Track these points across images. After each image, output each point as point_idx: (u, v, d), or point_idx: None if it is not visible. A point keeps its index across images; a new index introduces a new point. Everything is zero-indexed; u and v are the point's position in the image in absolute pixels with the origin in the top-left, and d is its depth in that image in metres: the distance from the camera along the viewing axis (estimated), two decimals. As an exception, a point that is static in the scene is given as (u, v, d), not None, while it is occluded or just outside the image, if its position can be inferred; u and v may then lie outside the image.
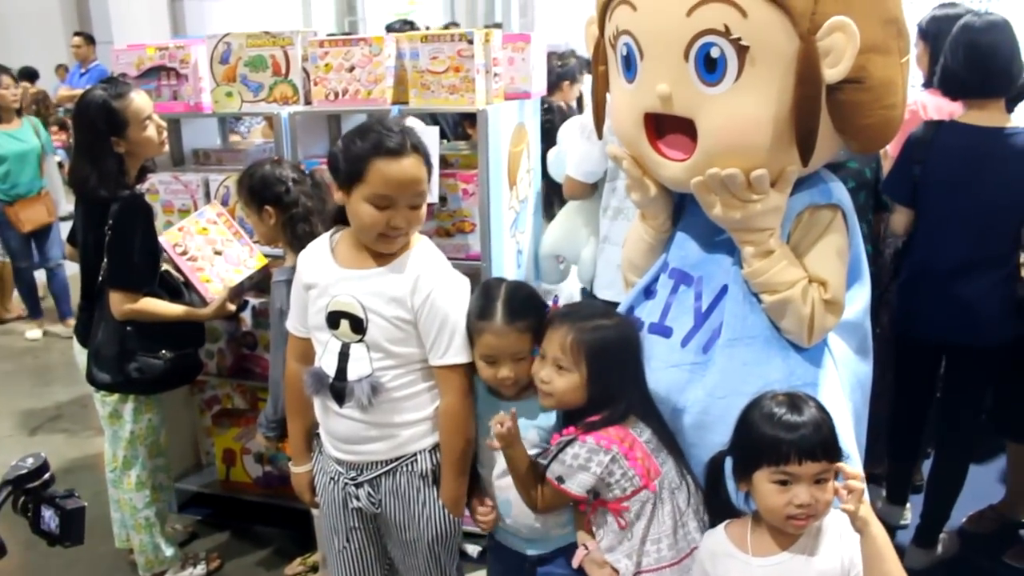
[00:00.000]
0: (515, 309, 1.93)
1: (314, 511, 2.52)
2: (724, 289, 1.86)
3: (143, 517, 2.93)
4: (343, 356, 1.99)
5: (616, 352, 1.84)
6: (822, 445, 1.53)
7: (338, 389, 2.00)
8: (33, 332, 5.88)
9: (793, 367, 1.81)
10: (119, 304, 2.64)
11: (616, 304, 2.16)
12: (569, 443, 1.81)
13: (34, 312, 5.93)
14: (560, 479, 1.82)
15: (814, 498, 1.52)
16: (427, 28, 5.56)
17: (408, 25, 4.84)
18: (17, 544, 1.53)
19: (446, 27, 5.54)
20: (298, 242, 2.27)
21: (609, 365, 1.82)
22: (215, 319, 2.93)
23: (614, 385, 1.83)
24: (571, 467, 1.80)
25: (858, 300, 1.94)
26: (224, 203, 3.08)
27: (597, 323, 1.85)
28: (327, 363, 2.02)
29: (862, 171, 2.93)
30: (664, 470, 1.82)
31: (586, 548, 1.90)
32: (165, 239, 2.80)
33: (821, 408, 1.59)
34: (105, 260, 2.64)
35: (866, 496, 1.53)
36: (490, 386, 2.02)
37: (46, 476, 1.51)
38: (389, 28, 4.74)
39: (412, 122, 3.29)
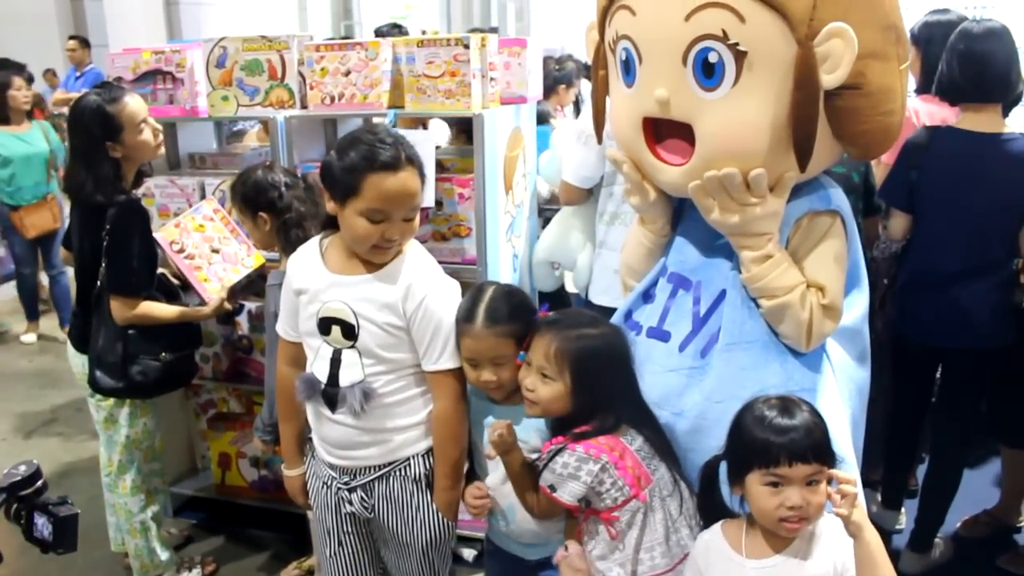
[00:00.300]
0: (495, 313, 1.92)
1: (310, 515, 2.51)
2: (722, 294, 1.86)
3: (138, 521, 2.92)
4: (335, 362, 1.98)
5: (601, 362, 1.82)
6: (813, 447, 1.53)
7: (330, 395, 1.99)
8: (28, 336, 5.86)
9: (791, 372, 1.81)
10: (121, 311, 2.64)
11: (612, 310, 2.16)
12: (559, 452, 1.80)
13: (31, 315, 5.91)
14: (552, 487, 1.81)
15: (805, 500, 1.52)
16: (423, 32, 5.56)
17: (396, 29, 4.83)
18: (12, 549, 1.52)
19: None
20: (291, 247, 2.26)
21: (594, 375, 1.80)
22: (213, 318, 2.93)
23: (600, 395, 1.81)
24: (561, 476, 1.79)
25: (857, 306, 1.94)
26: (221, 204, 3.07)
27: (582, 332, 1.83)
28: (319, 369, 2.01)
29: (849, 175, 2.94)
30: (655, 478, 1.81)
31: (566, 549, 1.89)
32: (162, 236, 2.80)
33: (814, 411, 1.59)
34: (104, 266, 2.63)
35: (861, 501, 1.53)
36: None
37: (39, 483, 1.51)
38: (378, 32, 4.74)
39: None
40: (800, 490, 1.52)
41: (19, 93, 5.28)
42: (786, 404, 1.59)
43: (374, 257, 1.95)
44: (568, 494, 1.78)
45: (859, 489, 1.73)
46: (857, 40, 1.58)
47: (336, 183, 1.90)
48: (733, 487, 1.64)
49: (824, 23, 1.59)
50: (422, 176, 1.94)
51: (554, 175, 3.27)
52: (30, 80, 5.54)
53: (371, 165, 1.84)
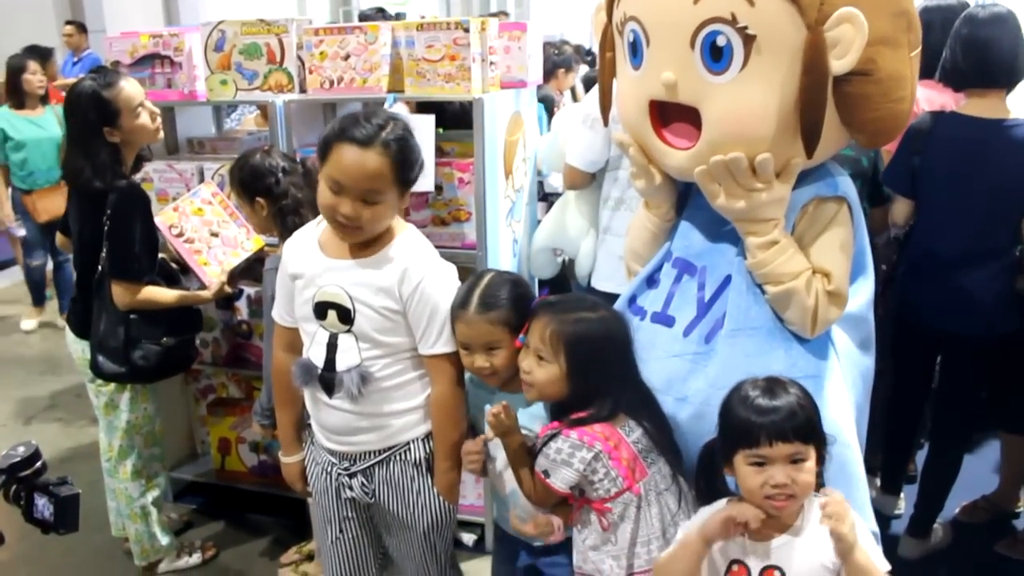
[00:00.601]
0: (489, 300, 1.92)
1: (310, 500, 2.51)
2: (727, 279, 1.85)
3: (139, 506, 2.93)
4: (331, 347, 1.98)
5: (597, 346, 1.81)
6: (795, 428, 1.54)
7: (327, 380, 1.99)
8: (28, 323, 5.85)
9: (795, 359, 1.80)
10: (123, 296, 2.63)
11: (616, 296, 2.15)
12: (553, 437, 1.80)
13: (37, 301, 5.89)
14: (546, 473, 1.80)
15: (790, 478, 1.53)
16: (422, 17, 5.52)
17: (380, 13, 4.80)
18: (13, 532, 1.52)
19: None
20: (288, 234, 2.26)
21: (590, 358, 1.80)
22: (213, 301, 2.92)
23: (597, 379, 1.81)
24: (555, 461, 1.78)
25: (862, 293, 1.93)
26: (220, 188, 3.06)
27: (579, 315, 1.83)
28: (315, 354, 2.00)
29: (858, 160, 2.93)
30: (651, 472, 1.81)
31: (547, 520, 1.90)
32: (161, 220, 2.79)
33: (803, 393, 1.60)
34: (105, 251, 2.62)
35: (857, 519, 1.55)
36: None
37: (38, 464, 1.50)
38: (362, 16, 4.69)
39: (400, 107, 3.22)
40: (784, 468, 1.54)
41: (33, 77, 5.28)
42: (771, 385, 1.60)
43: (339, 234, 1.95)
44: (561, 480, 1.78)
45: (867, 502, 1.75)
46: (868, 26, 1.57)
47: (318, 149, 1.93)
48: (725, 468, 1.65)
49: (834, 8, 1.57)
50: (400, 164, 1.89)
51: (554, 159, 3.25)
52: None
53: (342, 135, 1.86)
